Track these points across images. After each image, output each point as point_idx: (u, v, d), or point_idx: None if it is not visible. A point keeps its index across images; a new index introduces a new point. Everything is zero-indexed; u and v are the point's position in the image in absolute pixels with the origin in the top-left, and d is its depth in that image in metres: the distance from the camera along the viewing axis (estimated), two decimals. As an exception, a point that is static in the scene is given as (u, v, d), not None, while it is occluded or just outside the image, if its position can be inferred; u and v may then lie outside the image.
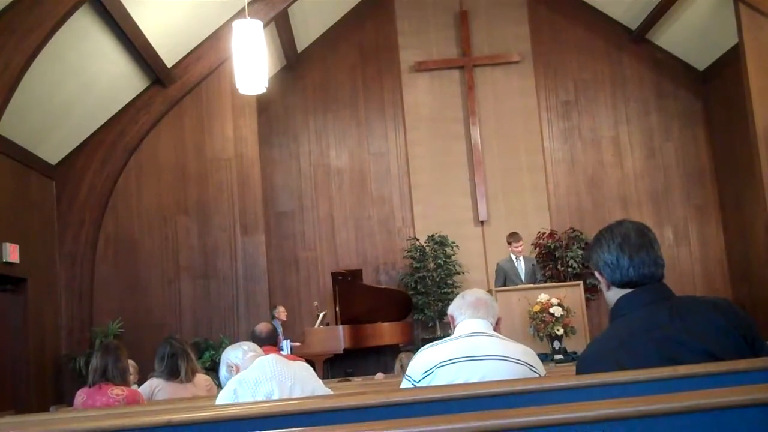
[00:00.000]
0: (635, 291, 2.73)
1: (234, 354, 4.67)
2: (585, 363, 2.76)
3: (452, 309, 3.85)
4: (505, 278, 10.61)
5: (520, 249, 10.69)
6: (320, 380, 4.21)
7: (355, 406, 2.52)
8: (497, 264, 10.89)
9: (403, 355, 7.29)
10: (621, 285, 2.76)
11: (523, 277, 10.57)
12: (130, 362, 6.16)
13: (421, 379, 3.49)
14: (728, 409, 1.90)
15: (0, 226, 9.33)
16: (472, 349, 3.50)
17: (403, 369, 6.93)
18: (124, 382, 5.54)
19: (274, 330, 7.24)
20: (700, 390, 2.01)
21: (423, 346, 3.77)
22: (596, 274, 2.86)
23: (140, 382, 6.44)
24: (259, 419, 2.48)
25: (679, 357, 2.54)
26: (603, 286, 2.85)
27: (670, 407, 1.89)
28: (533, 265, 10.83)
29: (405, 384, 3.60)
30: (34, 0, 8.46)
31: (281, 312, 12.10)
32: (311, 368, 4.21)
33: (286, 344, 10.49)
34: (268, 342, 6.86)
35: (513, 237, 10.71)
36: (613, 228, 2.83)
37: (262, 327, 6.99)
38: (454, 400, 2.53)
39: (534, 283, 10.49)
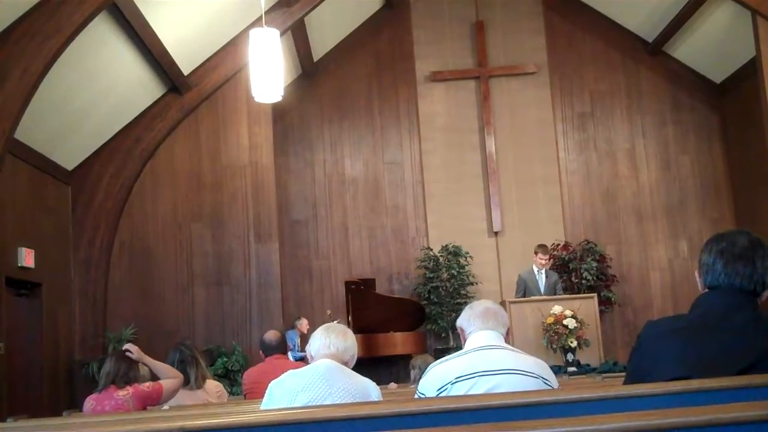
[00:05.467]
0: (719, 291, 2.73)
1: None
2: (650, 333, 2.75)
3: (461, 321, 3.81)
4: (525, 290, 10.55)
5: (543, 262, 10.59)
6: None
7: (369, 415, 2.51)
8: (519, 275, 10.81)
9: (419, 361, 7.14)
10: (710, 288, 2.77)
11: (542, 290, 10.50)
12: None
13: (436, 396, 3.46)
14: (745, 424, 1.89)
15: (16, 230, 9.38)
16: (485, 364, 3.47)
17: (420, 372, 6.89)
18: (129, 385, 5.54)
19: (283, 338, 7.22)
20: (716, 404, 1.99)
21: (436, 356, 3.74)
22: (696, 274, 2.86)
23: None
24: (273, 427, 2.48)
25: (735, 365, 2.54)
26: (699, 286, 2.85)
27: (684, 421, 1.88)
28: (555, 281, 10.73)
29: (418, 401, 3.57)
30: (53, 6, 8.52)
31: (304, 324, 12.08)
32: (372, 390, 3.92)
33: (290, 354, 10.43)
34: (278, 350, 6.85)
35: (541, 249, 10.62)
36: (727, 234, 2.84)
37: (271, 335, 6.97)
38: (468, 411, 2.51)
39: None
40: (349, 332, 4.16)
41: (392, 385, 8.44)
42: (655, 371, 2.65)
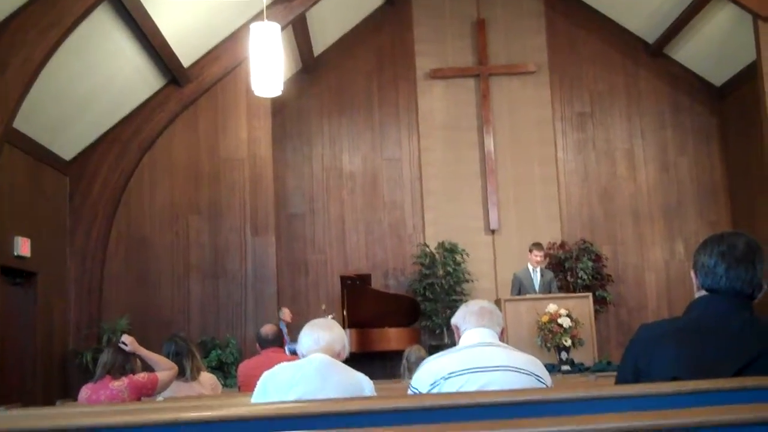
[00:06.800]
0: (718, 294, 2.74)
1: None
2: (644, 335, 2.76)
3: (456, 319, 3.83)
4: (520, 288, 10.60)
5: (538, 259, 10.67)
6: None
7: (362, 410, 2.51)
8: (514, 274, 10.87)
9: (413, 352, 7.12)
10: (709, 291, 2.77)
11: (537, 289, 10.55)
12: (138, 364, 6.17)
13: (428, 391, 3.47)
14: (735, 427, 1.89)
15: (12, 219, 9.37)
16: (478, 360, 3.48)
17: (409, 364, 6.91)
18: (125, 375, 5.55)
19: (280, 332, 7.26)
20: (709, 406, 2.00)
21: (430, 352, 3.75)
22: (692, 273, 2.85)
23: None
24: (265, 421, 2.48)
25: (730, 368, 2.55)
26: (694, 286, 2.85)
27: (677, 422, 1.89)
28: (551, 280, 10.78)
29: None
30: (54, -4, 8.51)
31: (286, 314, 12.08)
32: (366, 385, 3.94)
33: (286, 348, 10.43)
34: (274, 344, 6.88)
35: (536, 246, 10.71)
36: (726, 235, 2.83)
37: (268, 329, 7.00)
38: (461, 408, 2.52)
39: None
40: (334, 324, 4.19)
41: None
42: (650, 374, 2.66)
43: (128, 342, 5.65)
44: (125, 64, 10.39)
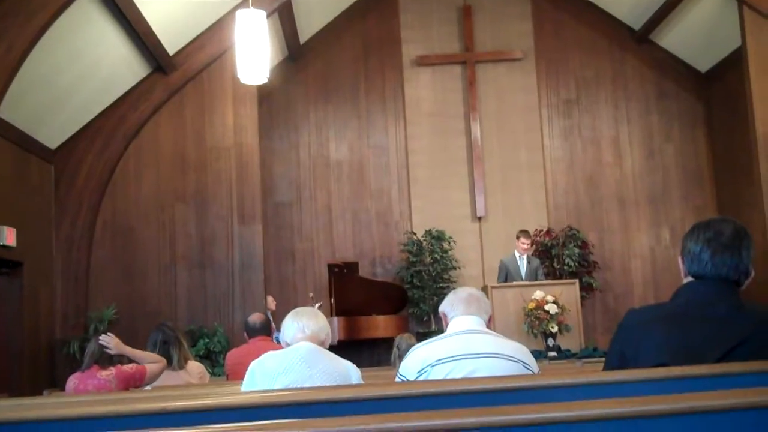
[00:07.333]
0: (703, 280, 2.75)
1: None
2: (631, 321, 2.78)
3: (444, 306, 3.84)
4: (506, 275, 10.66)
5: (525, 247, 10.73)
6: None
7: (349, 398, 2.52)
8: (501, 260, 10.94)
9: (404, 340, 7.14)
10: (695, 277, 2.78)
11: (524, 276, 10.61)
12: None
13: (416, 378, 3.49)
14: (722, 412, 1.90)
15: (-2, 209, 9.33)
16: (465, 347, 3.50)
17: (399, 352, 6.92)
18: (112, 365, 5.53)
19: (268, 320, 7.25)
20: (696, 392, 2.01)
21: (418, 339, 3.76)
22: (679, 259, 2.87)
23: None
24: (253, 409, 2.48)
25: (716, 353, 2.56)
26: (681, 272, 2.86)
27: (662, 409, 1.89)
28: (537, 267, 10.84)
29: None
30: (37, -17, 8.45)
31: (270, 301, 12.06)
32: (352, 373, 3.97)
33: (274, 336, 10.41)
34: (262, 332, 6.87)
35: (523, 234, 10.79)
36: (713, 222, 2.85)
37: (256, 317, 7.00)
38: (448, 395, 2.53)
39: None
40: (318, 312, 4.23)
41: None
42: (638, 359, 2.67)
43: (112, 345, 5.56)
44: (110, 52, 10.33)
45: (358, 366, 4.09)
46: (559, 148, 14.01)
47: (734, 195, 13.17)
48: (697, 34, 13.21)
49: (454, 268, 13.31)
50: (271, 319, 11.55)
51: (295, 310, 4.23)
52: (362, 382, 3.98)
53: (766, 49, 11.29)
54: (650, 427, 1.89)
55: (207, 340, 10.72)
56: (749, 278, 2.80)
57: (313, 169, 13.85)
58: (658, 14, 13.10)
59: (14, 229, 9.56)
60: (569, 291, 10.20)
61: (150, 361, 5.68)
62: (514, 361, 3.48)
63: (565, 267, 13.03)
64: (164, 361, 5.80)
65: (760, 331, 2.65)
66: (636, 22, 13.92)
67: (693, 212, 13.55)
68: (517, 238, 10.76)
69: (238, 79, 8.89)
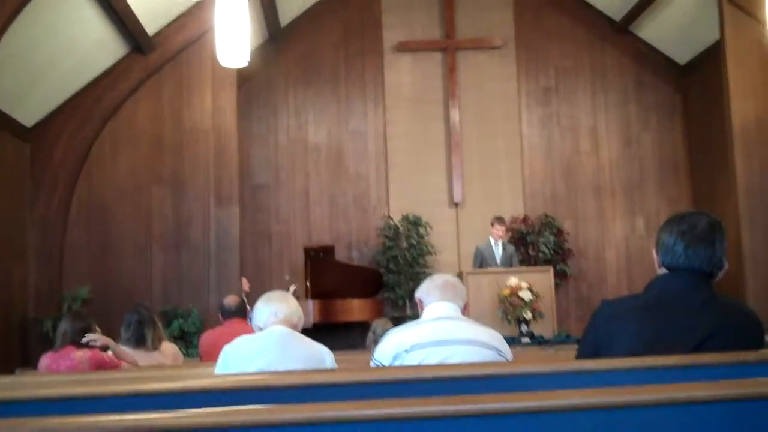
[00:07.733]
0: (677, 273, 2.78)
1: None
2: (605, 311, 2.81)
3: (420, 292, 3.86)
4: (481, 261, 10.71)
5: (499, 233, 10.78)
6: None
7: (323, 383, 2.53)
8: (476, 247, 10.98)
9: (378, 325, 7.15)
10: (669, 269, 2.81)
11: (498, 262, 10.67)
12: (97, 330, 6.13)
13: (390, 363, 3.51)
14: (694, 404, 1.93)
15: (-28, 186, 9.25)
16: (440, 333, 3.52)
17: (375, 337, 6.94)
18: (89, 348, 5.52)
19: (243, 302, 7.25)
20: (667, 383, 2.04)
21: (394, 325, 3.77)
22: (653, 251, 2.89)
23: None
24: (226, 393, 2.49)
25: (689, 344, 2.60)
26: (656, 263, 2.89)
27: (635, 400, 1.92)
28: (512, 253, 10.90)
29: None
30: (15, -41, 8.35)
31: (244, 283, 12.05)
32: (326, 356, 4.01)
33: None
34: (237, 315, 6.88)
35: (498, 220, 10.83)
36: (687, 215, 2.88)
37: (231, 300, 7.00)
38: (422, 381, 2.54)
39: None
40: (289, 296, 4.24)
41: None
42: (611, 349, 2.70)
43: (98, 340, 5.54)
44: (88, 31, 10.23)
45: (333, 349, 4.11)
46: (537, 136, 14.04)
47: (709, 186, 13.26)
48: (677, 27, 13.26)
49: (430, 254, 13.34)
50: (246, 301, 11.54)
51: (266, 294, 4.25)
52: (336, 365, 3.99)
53: (744, 43, 11.37)
54: (624, 417, 1.91)
55: (181, 321, 10.70)
56: (723, 270, 2.83)
57: (292, 152, 13.81)
58: (638, 6, 13.14)
59: (-12, 207, 9.49)
60: (543, 278, 10.27)
61: (128, 361, 5.67)
62: (488, 348, 3.51)
63: (540, 254, 13.10)
64: (138, 364, 5.78)
65: (732, 322, 2.69)
66: (616, 13, 13.95)
67: (668, 203, 13.64)
68: (492, 224, 10.81)
69: (218, 61, 8.86)
